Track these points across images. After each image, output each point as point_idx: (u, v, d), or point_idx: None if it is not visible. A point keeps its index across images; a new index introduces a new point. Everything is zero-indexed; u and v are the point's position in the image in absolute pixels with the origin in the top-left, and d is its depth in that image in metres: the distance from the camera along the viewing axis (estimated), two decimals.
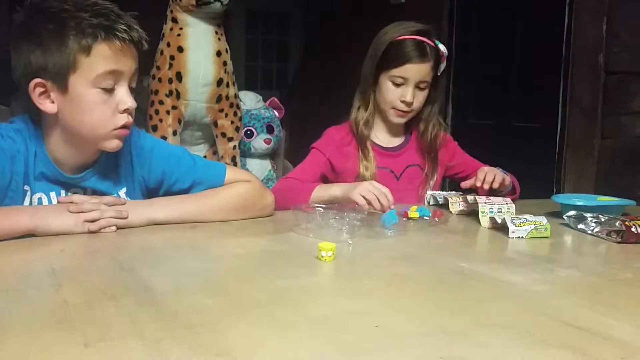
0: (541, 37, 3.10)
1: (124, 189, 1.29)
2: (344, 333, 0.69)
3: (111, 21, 1.13)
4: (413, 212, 1.37)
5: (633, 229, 1.19)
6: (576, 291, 0.89)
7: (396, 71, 1.64)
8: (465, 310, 0.79)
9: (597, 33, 2.58)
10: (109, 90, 1.15)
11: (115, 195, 1.27)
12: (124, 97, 1.17)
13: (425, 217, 1.38)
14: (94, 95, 1.14)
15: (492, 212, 1.34)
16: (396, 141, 1.78)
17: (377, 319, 0.73)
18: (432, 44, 1.66)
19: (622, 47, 2.55)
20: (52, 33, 1.11)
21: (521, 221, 1.21)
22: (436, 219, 1.37)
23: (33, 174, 1.20)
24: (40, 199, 1.21)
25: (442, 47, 1.67)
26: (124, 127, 1.19)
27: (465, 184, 1.61)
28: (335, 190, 1.52)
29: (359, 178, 1.67)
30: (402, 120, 1.72)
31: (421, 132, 1.75)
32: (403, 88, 1.65)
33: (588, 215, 1.29)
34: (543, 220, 1.23)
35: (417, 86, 1.66)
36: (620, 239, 1.19)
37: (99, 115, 1.16)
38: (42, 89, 1.14)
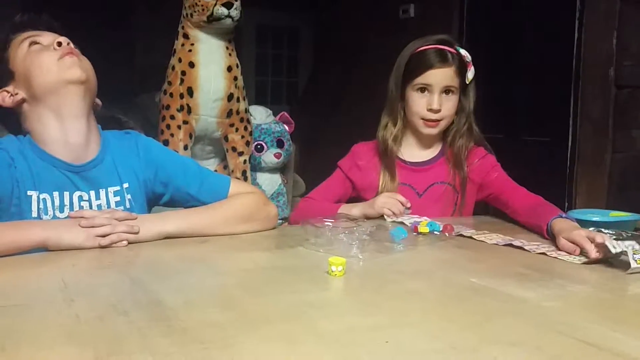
0: (551, 50, 3.10)
1: (127, 184, 1.32)
2: (354, 349, 0.69)
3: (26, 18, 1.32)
4: (423, 227, 1.37)
5: None
6: (587, 307, 0.89)
7: (419, 79, 1.62)
8: (476, 326, 0.78)
9: (608, 47, 2.58)
10: (37, 42, 1.27)
11: (119, 188, 1.30)
12: (51, 39, 1.28)
13: (435, 232, 1.37)
14: (28, 53, 1.26)
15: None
16: (425, 155, 1.70)
17: (387, 335, 0.73)
18: (453, 50, 1.64)
19: (633, 61, 2.55)
20: None
21: None
22: (446, 234, 1.37)
23: (35, 174, 1.22)
24: (44, 200, 1.22)
25: (463, 52, 1.65)
26: (67, 55, 1.26)
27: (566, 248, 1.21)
28: (355, 211, 1.56)
29: (377, 194, 1.63)
30: (433, 131, 1.65)
31: (449, 142, 1.69)
32: (428, 96, 1.62)
33: (606, 231, 1.26)
34: None
35: (444, 92, 1.62)
36: None
37: (41, 62, 1.25)
38: (8, 95, 1.27)
